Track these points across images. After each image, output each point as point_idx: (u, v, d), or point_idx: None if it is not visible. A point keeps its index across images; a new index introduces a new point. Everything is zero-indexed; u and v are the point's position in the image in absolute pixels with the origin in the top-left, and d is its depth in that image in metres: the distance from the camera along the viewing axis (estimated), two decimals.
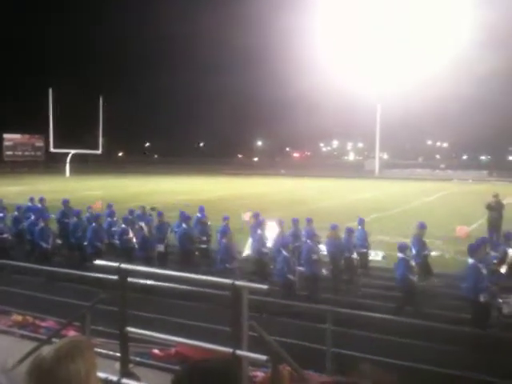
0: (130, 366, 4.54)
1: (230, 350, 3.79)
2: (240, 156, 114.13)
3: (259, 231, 12.82)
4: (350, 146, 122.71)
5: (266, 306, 9.24)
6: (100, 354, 5.45)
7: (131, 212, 14.93)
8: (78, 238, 13.55)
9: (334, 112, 74.45)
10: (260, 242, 12.63)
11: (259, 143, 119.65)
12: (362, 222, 13.21)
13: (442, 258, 14.45)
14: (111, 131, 64.89)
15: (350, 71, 63.99)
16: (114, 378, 3.91)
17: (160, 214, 14.16)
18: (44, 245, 13.00)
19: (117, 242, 13.25)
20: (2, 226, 14.12)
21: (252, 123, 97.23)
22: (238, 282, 4.13)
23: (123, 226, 13.35)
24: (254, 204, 25.38)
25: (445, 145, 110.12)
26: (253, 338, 4.05)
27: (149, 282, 7.41)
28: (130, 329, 4.30)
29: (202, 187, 42.70)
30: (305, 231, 12.29)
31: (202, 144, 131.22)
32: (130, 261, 11.37)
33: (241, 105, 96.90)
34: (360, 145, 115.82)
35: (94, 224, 12.99)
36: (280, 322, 8.84)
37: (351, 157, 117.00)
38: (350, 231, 12.09)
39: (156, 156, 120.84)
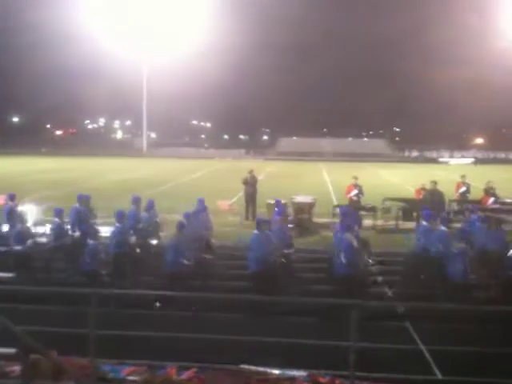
0: None
1: None
2: None
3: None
4: (117, 123, 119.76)
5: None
6: None
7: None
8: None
9: (101, 89, 71.33)
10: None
11: (14, 119, 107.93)
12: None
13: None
14: None
15: (115, 48, 62.11)
16: None
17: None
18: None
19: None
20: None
21: (3, 96, 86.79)
22: None
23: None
24: (5, 186, 22.87)
25: (208, 125, 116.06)
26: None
27: None
28: None
29: None
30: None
31: None
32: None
33: None
34: (128, 122, 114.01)
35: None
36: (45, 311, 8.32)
37: (119, 135, 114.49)
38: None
39: None
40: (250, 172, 18.79)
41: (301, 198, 16.66)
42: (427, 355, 7.17)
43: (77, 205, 11.60)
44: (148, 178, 32.70)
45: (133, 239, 10.65)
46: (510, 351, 7.01)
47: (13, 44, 72.87)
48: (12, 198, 12.49)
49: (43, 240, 11.12)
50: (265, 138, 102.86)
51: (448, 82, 69.62)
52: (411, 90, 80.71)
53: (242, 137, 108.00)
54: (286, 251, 9.95)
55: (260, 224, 9.62)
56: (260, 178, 21.84)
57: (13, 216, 11.70)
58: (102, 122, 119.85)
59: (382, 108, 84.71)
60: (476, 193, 18.06)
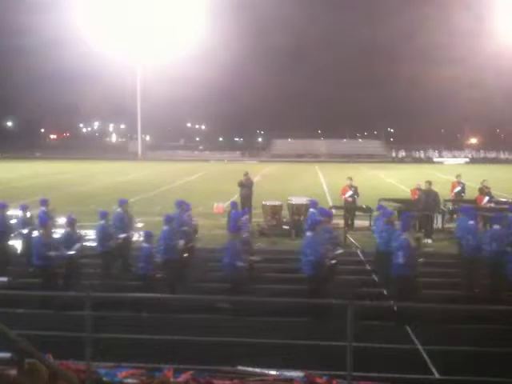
0: None
1: None
2: None
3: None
4: (112, 127, 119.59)
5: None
6: None
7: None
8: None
9: (95, 92, 71.12)
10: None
11: (8, 123, 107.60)
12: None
13: (201, 233, 15.20)
14: None
15: (109, 51, 62.01)
16: None
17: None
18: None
19: None
20: None
21: None
22: None
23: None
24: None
25: (203, 127, 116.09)
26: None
27: None
28: None
29: None
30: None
31: None
32: None
33: None
34: (122, 126, 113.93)
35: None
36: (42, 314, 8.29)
37: (114, 138, 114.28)
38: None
39: None
40: (246, 174, 18.77)
41: (297, 200, 16.64)
42: (424, 355, 7.18)
43: (119, 209, 11.45)
44: (142, 182, 32.64)
45: (181, 243, 10.46)
46: (507, 350, 7.03)
47: (6, 48, 72.65)
48: (44, 203, 12.26)
49: (90, 244, 10.96)
50: (259, 140, 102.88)
51: (442, 82, 70.02)
52: (405, 91, 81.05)
53: (236, 139, 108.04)
54: (336, 252, 9.73)
55: (315, 225, 9.27)
56: (255, 179, 21.82)
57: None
58: (96, 125, 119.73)
59: (376, 109, 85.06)
60: (471, 193, 18.13)
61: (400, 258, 8.52)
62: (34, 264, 9.51)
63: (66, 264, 9.62)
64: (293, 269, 10.39)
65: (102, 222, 10.50)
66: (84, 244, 10.56)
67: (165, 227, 9.94)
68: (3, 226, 11.13)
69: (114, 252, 10.45)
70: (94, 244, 10.82)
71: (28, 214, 11.70)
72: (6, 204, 11.63)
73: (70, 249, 9.69)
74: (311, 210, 12.42)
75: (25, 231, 11.28)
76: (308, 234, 9.13)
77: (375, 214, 16.49)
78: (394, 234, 9.48)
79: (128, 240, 11.18)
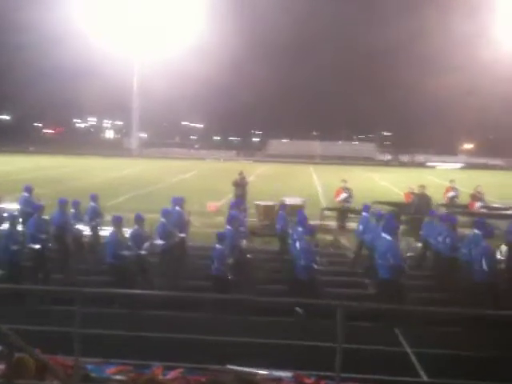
0: None
1: None
2: None
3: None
4: (107, 123, 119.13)
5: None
6: None
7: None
8: None
9: (91, 87, 70.78)
10: None
11: (2, 117, 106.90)
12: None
13: (194, 231, 15.18)
14: None
15: (106, 46, 61.82)
16: None
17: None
18: None
19: None
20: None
21: None
22: None
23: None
24: None
25: (199, 126, 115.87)
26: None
27: None
28: None
29: None
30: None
31: None
32: None
33: None
34: (118, 122, 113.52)
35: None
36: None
37: (109, 134, 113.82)
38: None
39: None
40: (240, 174, 18.82)
41: (291, 200, 16.63)
42: (413, 357, 7.21)
43: (177, 207, 11.22)
44: (136, 179, 32.54)
45: (244, 243, 10.23)
46: (495, 354, 7.07)
47: (1, 42, 72.31)
48: (94, 198, 12.17)
49: (158, 242, 10.70)
50: (255, 139, 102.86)
51: (440, 88, 70.16)
52: (402, 95, 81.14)
53: (232, 138, 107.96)
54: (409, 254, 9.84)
55: (394, 229, 9.08)
56: (250, 179, 21.83)
57: (97, 216, 11.69)
58: (92, 121, 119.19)
59: (372, 112, 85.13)
60: (465, 198, 18.23)
61: (484, 265, 8.49)
62: (106, 262, 9.40)
63: (136, 263, 9.46)
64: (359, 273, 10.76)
65: (163, 220, 10.33)
66: (152, 243, 10.34)
67: (228, 227, 9.71)
68: (63, 222, 10.93)
69: (174, 251, 10.34)
70: (157, 242, 10.55)
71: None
72: (66, 200, 11.38)
73: (139, 247, 9.57)
74: (364, 213, 12.20)
75: (78, 226, 11.18)
76: (388, 238, 8.89)
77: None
78: (462, 240, 9.66)
79: (185, 239, 11.02)
